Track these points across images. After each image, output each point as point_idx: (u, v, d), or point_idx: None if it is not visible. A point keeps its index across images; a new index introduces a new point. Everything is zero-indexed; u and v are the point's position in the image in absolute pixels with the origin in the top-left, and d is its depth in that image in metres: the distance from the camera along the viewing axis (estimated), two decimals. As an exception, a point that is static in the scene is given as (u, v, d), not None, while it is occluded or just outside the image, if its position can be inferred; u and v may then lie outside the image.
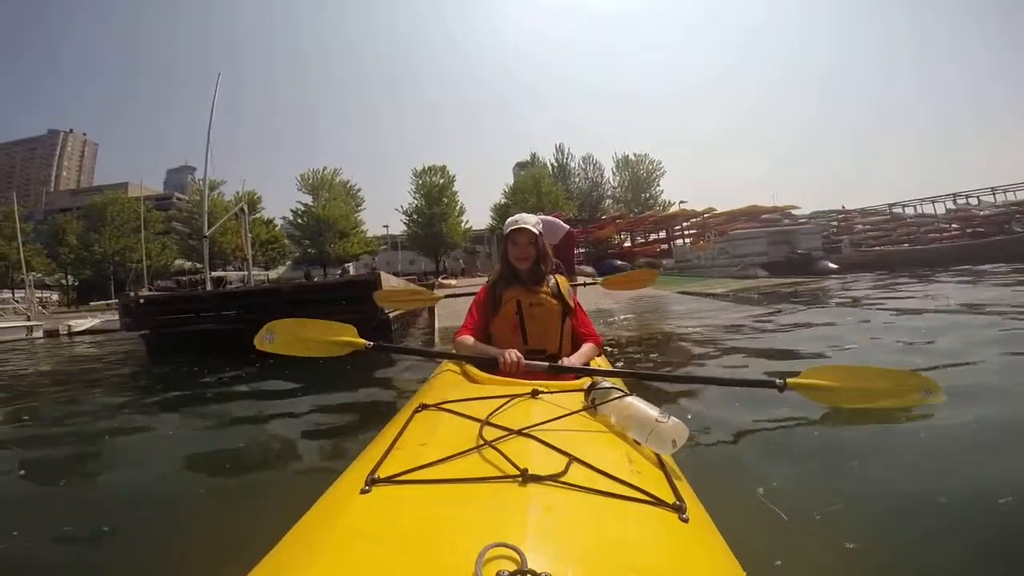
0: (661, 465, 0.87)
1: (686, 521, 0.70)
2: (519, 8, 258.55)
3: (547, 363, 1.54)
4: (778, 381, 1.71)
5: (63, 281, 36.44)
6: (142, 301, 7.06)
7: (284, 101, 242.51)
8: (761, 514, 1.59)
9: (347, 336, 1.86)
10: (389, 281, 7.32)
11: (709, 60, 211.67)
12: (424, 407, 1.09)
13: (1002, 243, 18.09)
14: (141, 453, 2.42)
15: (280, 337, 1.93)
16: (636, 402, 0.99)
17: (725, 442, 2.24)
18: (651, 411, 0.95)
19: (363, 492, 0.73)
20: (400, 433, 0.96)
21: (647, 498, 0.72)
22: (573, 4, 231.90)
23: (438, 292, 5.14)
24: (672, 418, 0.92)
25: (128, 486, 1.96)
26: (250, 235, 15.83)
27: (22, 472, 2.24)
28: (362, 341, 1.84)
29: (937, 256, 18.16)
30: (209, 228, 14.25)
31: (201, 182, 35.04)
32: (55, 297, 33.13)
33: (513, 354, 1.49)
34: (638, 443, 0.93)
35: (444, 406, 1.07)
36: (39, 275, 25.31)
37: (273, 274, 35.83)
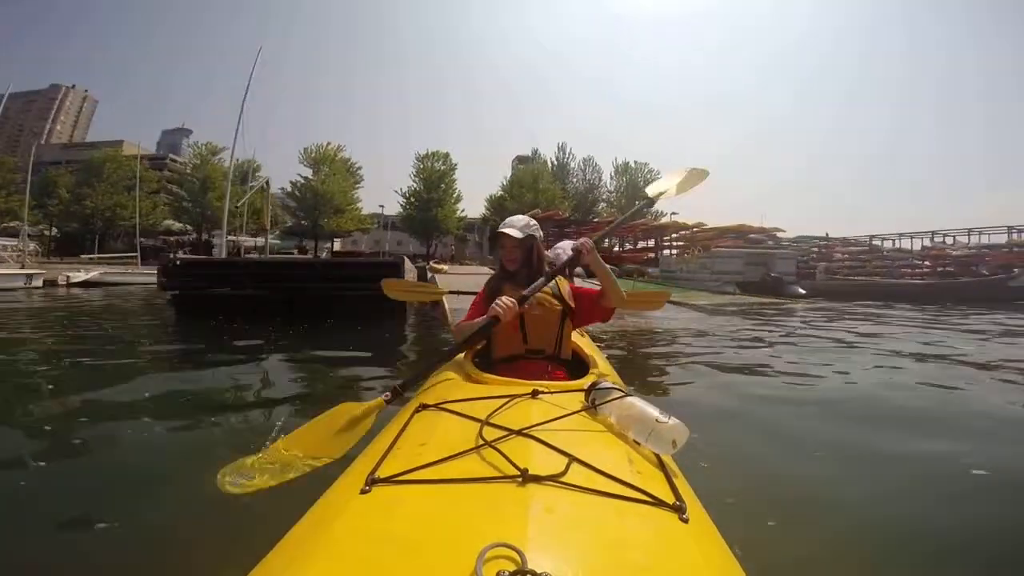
0: (661, 465, 0.87)
1: (686, 521, 0.70)
2: (550, 3, 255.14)
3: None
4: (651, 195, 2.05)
5: (45, 232, 35.75)
6: (179, 263, 7.58)
7: (296, 75, 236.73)
8: (761, 514, 1.61)
9: (357, 411, 1.37)
10: (405, 264, 8.09)
11: (725, 81, 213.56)
12: (424, 407, 1.09)
13: (965, 285, 19.29)
14: (134, 446, 2.37)
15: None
16: (636, 402, 1.00)
17: (725, 442, 2.26)
18: (651, 411, 0.95)
19: (363, 492, 0.73)
20: (400, 433, 0.96)
21: (647, 498, 0.72)
22: (603, 6, 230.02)
23: (442, 286, 5.68)
24: (672, 418, 0.92)
25: (123, 482, 1.93)
26: (270, 208, 16.28)
27: (21, 459, 2.11)
28: (378, 401, 1.37)
29: (901, 292, 19.26)
30: (230, 199, 14.74)
31: (200, 145, 35.10)
32: (32, 246, 32.56)
33: (506, 300, 1.51)
34: (638, 443, 0.93)
35: (444, 406, 1.07)
36: (20, 224, 24.93)
37: (260, 241, 35.62)
